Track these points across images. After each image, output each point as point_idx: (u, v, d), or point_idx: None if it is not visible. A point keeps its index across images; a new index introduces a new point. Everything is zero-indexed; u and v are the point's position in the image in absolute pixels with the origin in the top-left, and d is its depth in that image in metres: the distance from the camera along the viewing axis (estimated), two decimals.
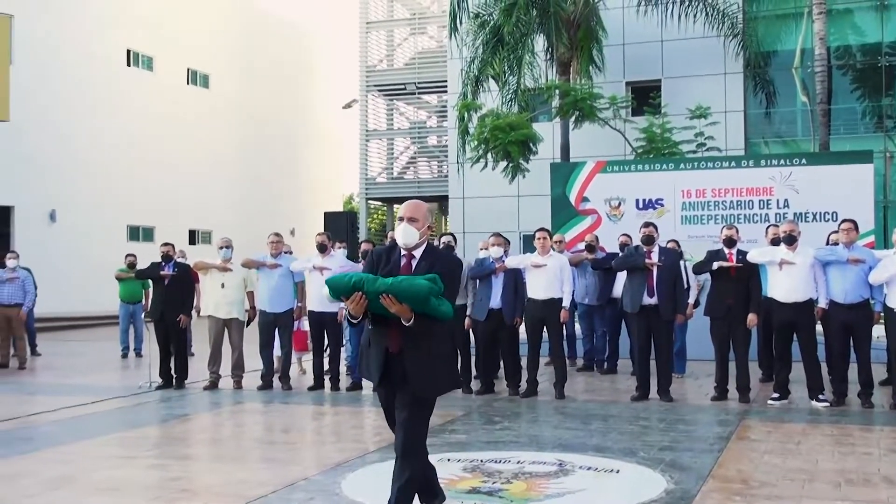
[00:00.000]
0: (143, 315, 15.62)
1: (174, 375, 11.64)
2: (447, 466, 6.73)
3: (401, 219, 4.88)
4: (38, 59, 26.21)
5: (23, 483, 6.51)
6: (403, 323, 4.57)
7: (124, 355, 15.85)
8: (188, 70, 33.28)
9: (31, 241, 24.86)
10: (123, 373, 14.01)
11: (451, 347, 5.27)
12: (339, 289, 4.58)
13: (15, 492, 6.24)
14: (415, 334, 4.66)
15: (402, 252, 4.87)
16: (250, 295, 11.66)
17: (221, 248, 11.57)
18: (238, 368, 11.51)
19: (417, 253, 4.86)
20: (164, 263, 11.82)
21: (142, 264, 14.00)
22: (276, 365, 11.53)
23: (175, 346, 11.65)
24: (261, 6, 37.27)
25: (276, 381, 11.38)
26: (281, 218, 34.11)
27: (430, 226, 4.93)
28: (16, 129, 23.69)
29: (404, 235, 4.83)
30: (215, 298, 11.48)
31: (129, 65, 30.54)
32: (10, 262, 14.36)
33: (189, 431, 9.04)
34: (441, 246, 12.11)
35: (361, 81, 35.21)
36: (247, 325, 11.69)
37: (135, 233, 30.12)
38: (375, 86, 35.24)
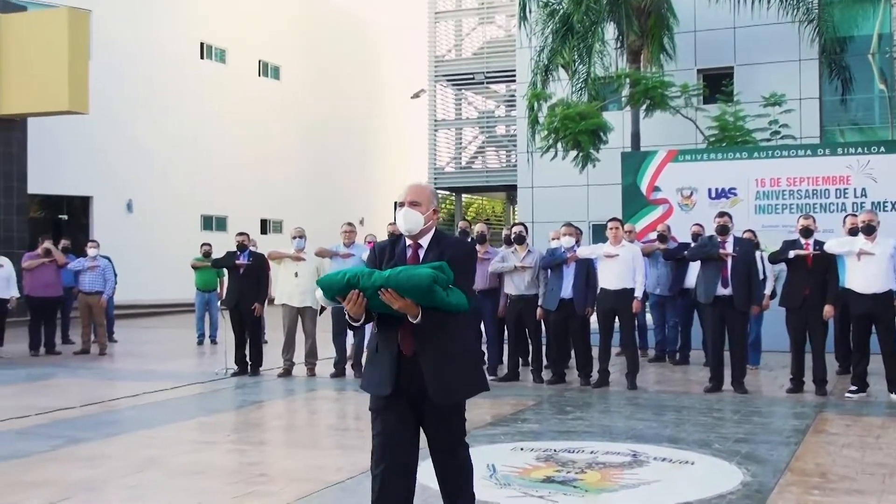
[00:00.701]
0: (218, 303, 15.93)
1: (249, 362, 11.86)
2: (520, 455, 6.77)
3: (401, 203, 4.31)
4: (115, 54, 26.78)
5: (111, 465, 6.72)
6: (411, 321, 3.99)
7: (200, 342, 16.18)
8: (259, 62, 33.71)
9: (109, 231, 25.45)
10: (199, 360, 14.31)
11: (472, 345, 4.67)
12: (332, 288, 4.04)
13: (104, 473, 6.45)
14: (429, 333, 4.07)
15: (408, 242, 4.29)
16: None
17: (295, 237, 11.75)
18: (311, 356, 11.67)
19: (425, 241, 4.28)
20: (238, 253, 12.05)
21: (216, 254, 14.30)
22: (348, 353, 11.67)
23: (250, 334, 11.88)
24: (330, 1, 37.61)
25: (348, 369, 11.53)
26: (350, 207, 34.41)
27: (435, 209, 4.34)
28: (94, 123, 24.26)
29: (405, 221, 4.23)
30: (289, 287, 11.66)
31: (202, 58, 31.04)
32: (90, 251, 14.75)
33: (264, 417, 9.22)
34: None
35: (430, 71, 35.29)
36: (320, 314, 11.85)
37: (208, 222, 30.65)
38: (444, 76, 35.30)
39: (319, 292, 4.11)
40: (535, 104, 20.46)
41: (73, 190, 26.50)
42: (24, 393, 10.66)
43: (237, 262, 11.98)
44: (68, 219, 27.20)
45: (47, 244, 14.82)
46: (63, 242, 16.43)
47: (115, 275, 15.25)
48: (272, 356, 12.41)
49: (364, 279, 3.93)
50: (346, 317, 4.13)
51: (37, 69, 20.55)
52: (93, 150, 26.10)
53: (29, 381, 11.70)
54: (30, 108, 21.05)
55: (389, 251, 4.31)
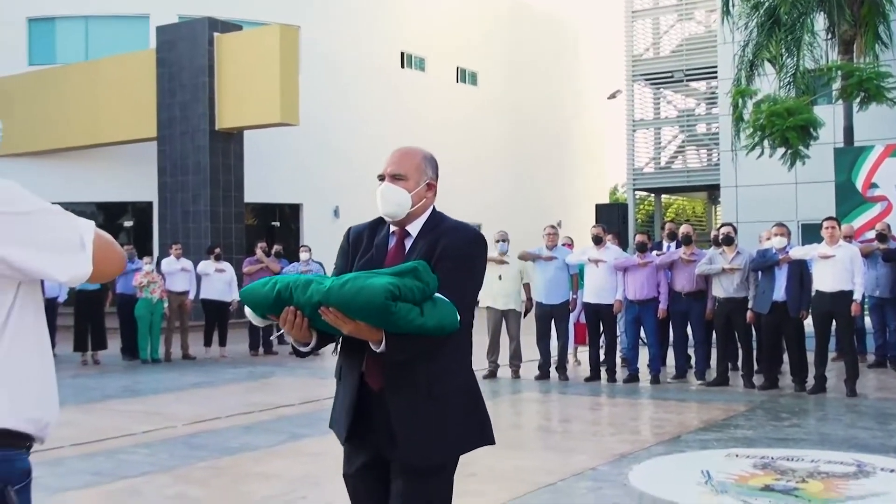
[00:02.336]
0: None
1: None
2: (736, 462, 6.55)
3: (380, 177, 3.16)
4: (321, 66, 27.93)
5: (332, 461, 7.01)
6: (373, 349, 2.83)
7: None
8: (457, 69, 34.31)
9: (317, 236, 26.53)
10: None
11: (465, 380, 3.12)
12: (258, 302, 2.88)
13: (326, 469, 6.75)
14: (404, 362, 2.91)
15: (392, 229, 3.15)
16: (526, 287, 11.89)
17: (498, 241, 11.88)
18: (516, 358, 11.78)
19: (414, 228, 3.11)
20: None
21: None
22: (552, 355, 11.70)
23: None
24: (527, 1, 37.77)
25: (552, 372, 11.55)
26: (548, 210, 34.44)
27: (430, 183, 3.16)
28: (302, 133, 25.38)
29: (384, 201, 3.09)
30: (493, 290, 11.80)
31: (402, 66, 31.92)
32: (303, 256, 15.46)
33: None
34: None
35: (627, 71, 34.84)
36: (524, 317, 11.94)
37: None
38: (641, 75, 34.76)
39: (248, 309, 2.96)
40: (740, 101, 19.82)
41: (284, 198, 27.84)
42: (247, 391, 11.30)
43: None
44: (280, 225, 28.58)
45: (259, 252, 15.65)
46: (276, 247, 17.30)
47: None
48: (476, 358, 12.58)
49: (298, 292, 2.79)
50: (291, 343, 3.00)
51: (251, 84, 21.74)
52: (302, 160, 27.32)
53: (251, 379, 12.39)
54: (245, 122, 22.28)
55: (367, 240, 3.16)
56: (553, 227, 11.86)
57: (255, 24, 25.26)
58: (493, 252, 11.91)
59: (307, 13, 27.81)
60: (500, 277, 11.73)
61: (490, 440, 3.15)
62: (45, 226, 1.98)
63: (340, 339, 3.00)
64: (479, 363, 12.15)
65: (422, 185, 3.12)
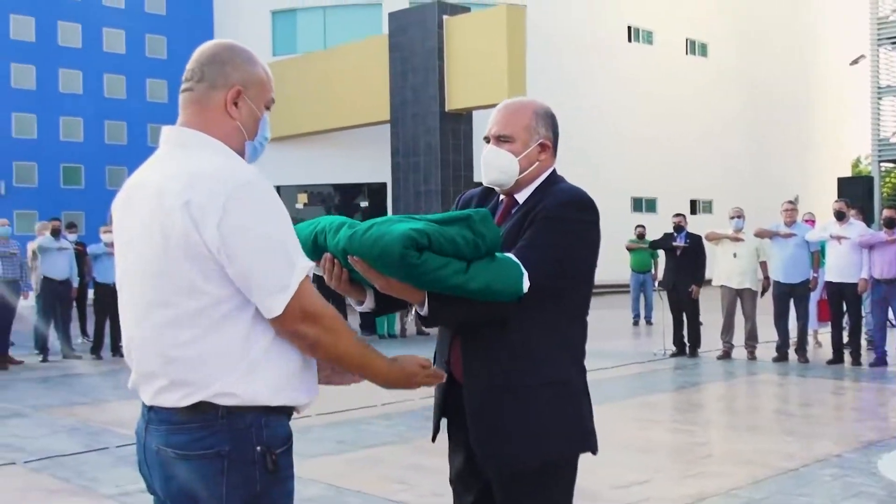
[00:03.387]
0: (653, 284, 16.09)
1: (687, 344, 11.87)
2: None
3: (485, 139, 2.72)
4: (547, 44, 27.95)
5: None
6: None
7: (635, 323, 16.47)
8: (686, 40, 33.39)
9: None
10: (636, 340, 14.58)
11: (559, 369, 2.56)
12: (302, 243, 2.30)
13: None
14: (480, 342, 2.51)
15: (501, 197, 2.74)
16: (763, 265, 11.49)
17: (733, 217, 11.55)
18: (751, 339, 11.42)
19: (523, 196, 2.66)
20: (675, 234, 12.11)
21: (649, 235, 14.46)
22: (791, 336, 11.25)
23: (688, 316, 11.89)
24: None
25: (791, 353, 11.12)
26: (784, 185, 33.01)
27: (543, 143, 2.68)
28: None
29: (488, 167, 2.66)
30: (727, 268, 11.50)
31: (629, 41, 31.41)
32: None
33: (706, 399, 9.19)
34: None
35: (871, 35, 32.69)
36: (760, 296, 11.55)
37: (638, 204, 31.01)
38: (888, 38, 32.51)
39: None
40: None
41: None
42: None
43: (674, 243, 12.03)
44: None
45: None
46: None
47: None
48: (709, 337, 12.31)
49: (330, 236, 2.42)
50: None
51: (479, 65, 22.08)
52: None
53: None
54: (473, 103, 22.67)
55: (476, 206, 2.77)
56: (791, 202, 11.38)
57: (482, 5, 25.61)
58: (728, 229, 11.62)
59: None
60: (734, 255, 11.40)
61: (592, 448, 2.63)
62: None
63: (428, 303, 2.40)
64: (713, 343, 11.91)
65: (532, 146, 2.65)
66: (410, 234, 2.20)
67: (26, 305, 12.63)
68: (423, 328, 13.53)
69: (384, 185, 26.51)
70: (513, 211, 2.64)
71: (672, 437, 7.15)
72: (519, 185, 2.64)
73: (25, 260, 12.43)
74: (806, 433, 7.16)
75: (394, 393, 8.98)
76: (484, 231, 2.31)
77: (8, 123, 27.56)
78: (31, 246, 12.70)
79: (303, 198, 28.66)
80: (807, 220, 12.23)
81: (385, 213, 25.88)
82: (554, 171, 2.70)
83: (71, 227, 13.57)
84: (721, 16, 34.09)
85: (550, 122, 2.71)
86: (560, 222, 2.49)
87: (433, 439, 2.77)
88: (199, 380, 2.00)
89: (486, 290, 2.31)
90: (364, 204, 28.88)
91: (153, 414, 2.09)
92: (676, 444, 6.87)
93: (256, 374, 2.02)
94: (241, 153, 2.16)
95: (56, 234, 12.51)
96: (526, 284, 2.36)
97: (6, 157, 27.16)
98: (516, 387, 2.48)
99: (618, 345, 13.54)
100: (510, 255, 2.40)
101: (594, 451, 2.62)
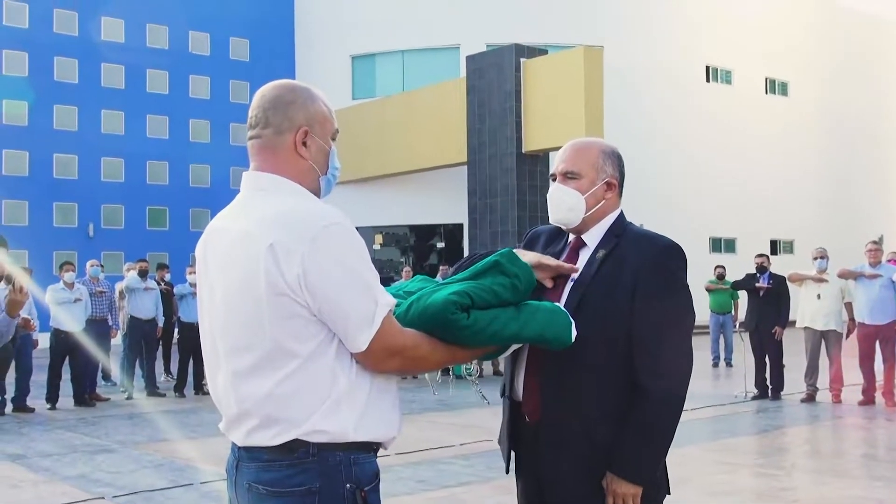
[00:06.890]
0: (733, 325, 15.84)
1: (769, 386, 11.66)
2: None
3: (552, 176, 2.71)
4: (624, 85, 27.90)
5: None
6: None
7: (715, 364, 16.22)
8: (766, 79, 33.05)
9: None
10: (716, 381, 14.35)
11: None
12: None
13: None
14: (559, 384, 2.49)
15: (570, 238, 2.70)
16: (848, 306, 11.27)
17: (816, 258, 11.39)
18: (836, 381, 11.17)
19: (592, 238, 2.63)
20: (758, 275, 11.97)
21: (729, 276, 14.28)
22: (877, 379, 10.98)
23: (770, 357, 11.69)
24: (840, 3, 35.71)
25: (878, 396, 10.84)
26: (866, 224, 32.32)
27: (609, 182, 2.63)
28: None
29: (555, 205, 2.66)
30: (811, 309, 11.31)
31: (707, 80, 31.21)
32: None
33: (789, 443, 9.00)
34: None
35: None
36: (846, 338, 11.32)
37: (717, 244, 30.60)
38: None
39: None
40: None
41: None
42: None
43: (758, 284, 11.89)
44: None
45: None
46: None
47: None
48: (791, 379, 12.07)
49: (400, 306, 2.26)
50: None
51: (556, 106, 22.17)
52: None
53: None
54: (551, 143, 22.69)
55: (541, 248, 2.74)
56: (875, 242, 11.17)
57: (559, 47, 25.73)
58: (811, 269, 11.44)
59: (610, 32, 27.97)
60: (818, 296, 11.22)
61: (662, 489, 2.62)
62: None
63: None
64: (796, 386, 11.67)
65: (599, 184, 2.61)
66: (451, 297, 2.16)
67: (114, 343, 13.00)
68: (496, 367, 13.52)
69: (460, 225, 26.66)
70: (581, 251, 2.62)
71: (757, 482, 7.03)
72: (586, 224, 2.62)
73: (114, 299, 12.82)
74: (894, 478, 6.97)
75: (470, 433, 9.00)
76: (516, 270, 2.28)
77: (97, 168, 28.49)
78: (119, 286, 13.10)
79: (378, 238, 28.98)
80: (891, 261, 11.97)
81: (462, 255, 25.99)
82: (622, 212, 2.68)
83: (162, 268, 13.94)
84: (802, 54, 33.68)
85: (617, 161, 2.68)
86: (673, 280, 2.52)
87: (507, 471, 2.72)
88: (290, 418, 2.04)
89: (539, 339, 2.30)
90: (440, 245, 29.06)
91: (244, 451, 2.12)
92: (761, 489, 6.75)
93: (342, 409, 2.06)
94: (317, 190, 2.21)
95: (143, 274, 12.87)
96: (573, 334, 2.35)
97: (95, 201, 28.04)
98: (599, 442, 2.48)
99: (697, 386, 13.23)
100: (545, 302, 2.36)
101: (665, 491, 2.62)
